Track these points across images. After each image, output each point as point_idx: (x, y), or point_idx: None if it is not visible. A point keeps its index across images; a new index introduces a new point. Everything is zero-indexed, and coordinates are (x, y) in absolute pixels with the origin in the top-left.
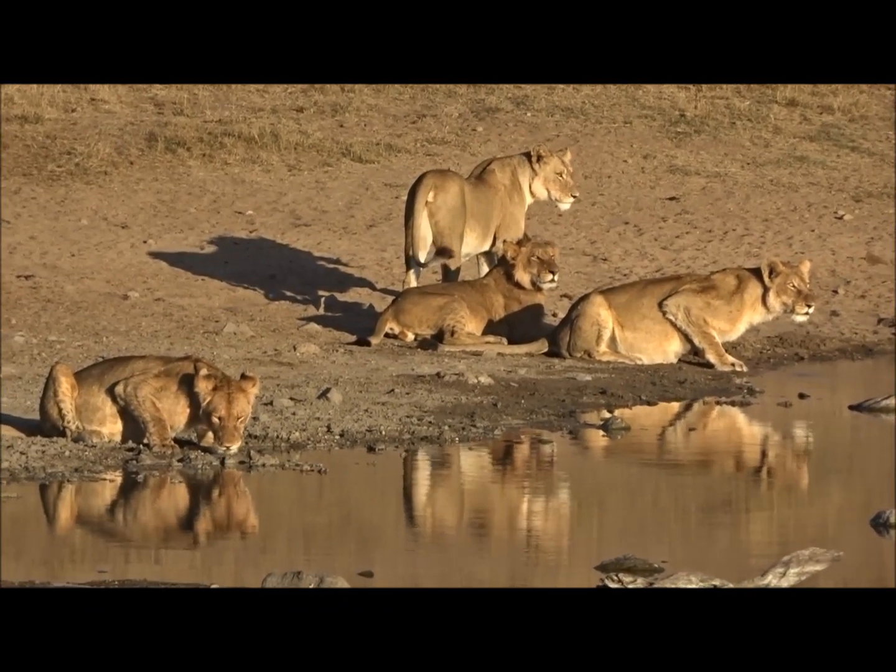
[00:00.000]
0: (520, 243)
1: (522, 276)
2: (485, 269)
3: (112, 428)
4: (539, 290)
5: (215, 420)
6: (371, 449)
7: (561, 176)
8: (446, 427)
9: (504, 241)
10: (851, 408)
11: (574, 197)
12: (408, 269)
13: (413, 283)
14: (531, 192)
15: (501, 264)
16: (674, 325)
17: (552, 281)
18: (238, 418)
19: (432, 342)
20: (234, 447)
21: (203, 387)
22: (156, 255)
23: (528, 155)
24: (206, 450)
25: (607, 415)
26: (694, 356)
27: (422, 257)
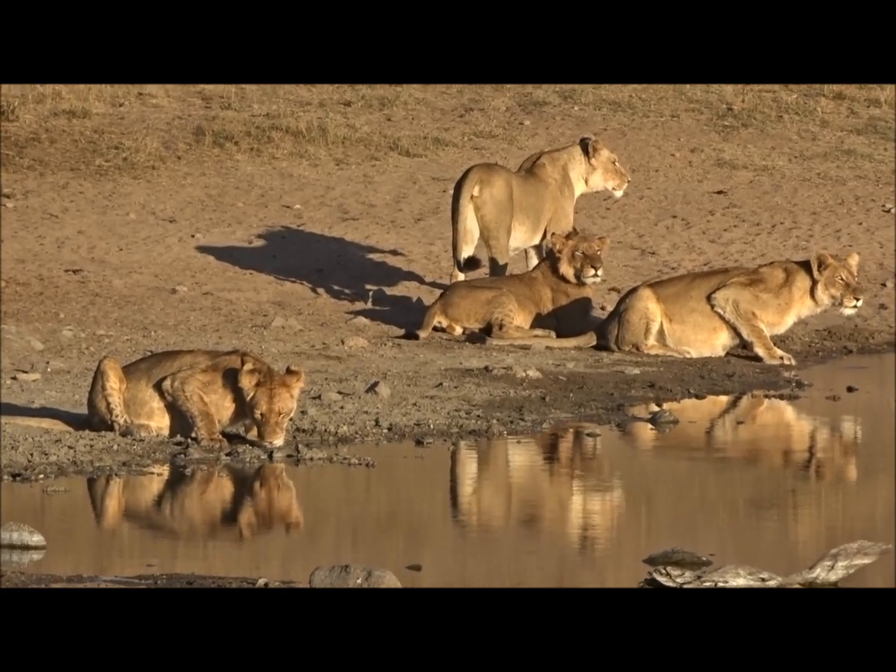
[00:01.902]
0: (568, 237)
1: (567, 270)
2: (534, 262)
3: (160, 422)
4: (583, 284)
5: (257, 415)
6: (419, 442)
7: (614, 164)
8: (494, 421)
9: (552, 234)
10: None
11: (628, 181)
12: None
13: (461, 277)
14: (587, 184)
15: (548, 258)
16: (722, 318)
17: (595, 276)
18: (280, 414)
19: (480, 336)
20: (277, 443)
21: (246, 382)
22: (204, 250)
23: (584, 145)
24: (254, 444)
25: (655, 408)
26: (742, 349)
27: (467, 252)
